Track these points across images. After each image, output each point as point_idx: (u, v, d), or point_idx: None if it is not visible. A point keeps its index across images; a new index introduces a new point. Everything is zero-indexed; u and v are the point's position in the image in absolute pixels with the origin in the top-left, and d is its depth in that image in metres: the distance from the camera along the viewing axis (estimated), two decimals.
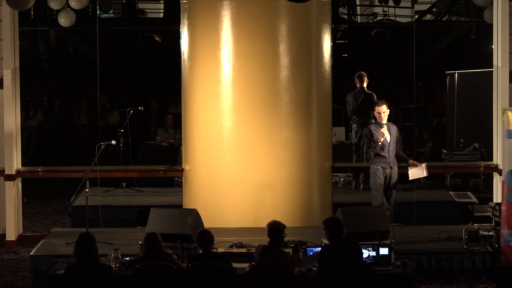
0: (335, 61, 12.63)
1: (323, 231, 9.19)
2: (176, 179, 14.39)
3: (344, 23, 20.74)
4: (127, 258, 9.77)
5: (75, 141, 18.48)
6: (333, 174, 13.03)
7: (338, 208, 10.76)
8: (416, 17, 20.12)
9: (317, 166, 12.23)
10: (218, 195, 12.03)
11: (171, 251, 9.69)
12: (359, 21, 22.92)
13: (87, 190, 11.19)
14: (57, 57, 20.87)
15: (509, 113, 10.84)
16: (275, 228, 9.21)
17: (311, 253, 9.55)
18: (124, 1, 21.24)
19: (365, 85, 14.54)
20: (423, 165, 11.74)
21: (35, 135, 17.94)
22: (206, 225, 10.46)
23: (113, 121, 17.62)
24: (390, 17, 20.53)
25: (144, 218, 11.08)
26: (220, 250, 10.11)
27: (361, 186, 14.25)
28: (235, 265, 9.30)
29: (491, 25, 12.75)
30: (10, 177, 12.54)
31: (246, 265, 9.36)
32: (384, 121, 11.70)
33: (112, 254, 9.82)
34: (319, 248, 9.33)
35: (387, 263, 9.73)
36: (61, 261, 10.30)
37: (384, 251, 9.77)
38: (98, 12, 16.25)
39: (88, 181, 11.18)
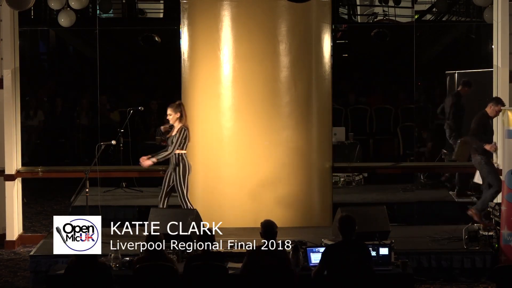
0: (335, 61, 12.63)
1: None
2: None
3: (344, 23, 20.75)
4: (127, 258, 9.78)
5: (75, 141, 18.48)
6: (333, 174, 13.03)
7: (338, 208, 10.76)
8: (416, 17, 20.13)
9: (317, 166, 12.23)
10: (218, 195, 12.04)
11: (171, 251, 9.69)
12: (359, 21, 22.92)
13: (87, 190, 11.19)
14: (57, 57, 20.88)
15: (509, 113, 10.85)
16: (270, 225, 9.14)
17: None
18: (124, 1, 21.25)
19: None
20: None
21: (35, 135, 17.94)
22: None
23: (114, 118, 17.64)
24: (390, 17, 20.53)
25: (144, 218, 11.09)
26: (220, 250, 10.10)
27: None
28: (235, 265, 9.30)
29: (491, 25, 12.75)
30: (10, 177, 12.54)
31: None
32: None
33: (112, 254, 9.83)
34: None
35: (387, 263, 9.73)
36: (61, 261, 10.28)
37: (384, 251, 9.77)
38: (98, 12, 16.26)
39: (88, 181, 11.18)
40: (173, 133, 11.40)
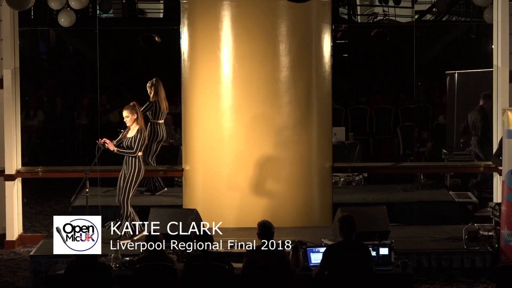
0: (335, 61, 12.63)
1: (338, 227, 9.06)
2: (176, 179, 14.39)
3: (344, 23, 20.73)
4: (127, 258, 9.78)
5: (75, 141, 18.47)
6: (333, 174, 13.03)
7: (338, 208, 10.76)
8: (416, 17, 20.11)
9: (317, 166, 12.23)
10: (218, 195, 12.04)
11: (171, 251, 9.69)
12: (359, 21, 22.91)
13: (87, 190, 11.19)
14: (57, 57, 20.87)
15: (509, 113, 10.84)
16: (267, 225, 9.11)
17: None
18: (124, 1, 21.24)
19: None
20: None
21: (35, 135, 17.92)
22: None
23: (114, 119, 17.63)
24: (390, 17, 20.52)
25: (144, 218, 11.09)
26: (220, 250, 10.11)
27: None
28: (235, 265, 9.29)
29: (491, 25, 12.75)
30: (10, 177, 12.54)
31: None
32: None
33: (112, 254, 9.83)
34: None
35: (387, 263, 9.73)
36: (61, 261, 10.28)
37: (384, 251, 9.77)
38: (98, 12, 16.24)
39: (88, 181, 11.18)
40: (129, 135, 11.34)
